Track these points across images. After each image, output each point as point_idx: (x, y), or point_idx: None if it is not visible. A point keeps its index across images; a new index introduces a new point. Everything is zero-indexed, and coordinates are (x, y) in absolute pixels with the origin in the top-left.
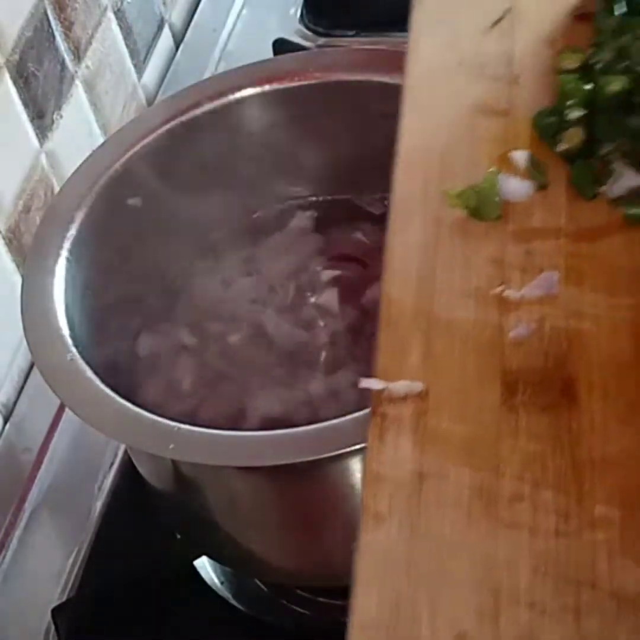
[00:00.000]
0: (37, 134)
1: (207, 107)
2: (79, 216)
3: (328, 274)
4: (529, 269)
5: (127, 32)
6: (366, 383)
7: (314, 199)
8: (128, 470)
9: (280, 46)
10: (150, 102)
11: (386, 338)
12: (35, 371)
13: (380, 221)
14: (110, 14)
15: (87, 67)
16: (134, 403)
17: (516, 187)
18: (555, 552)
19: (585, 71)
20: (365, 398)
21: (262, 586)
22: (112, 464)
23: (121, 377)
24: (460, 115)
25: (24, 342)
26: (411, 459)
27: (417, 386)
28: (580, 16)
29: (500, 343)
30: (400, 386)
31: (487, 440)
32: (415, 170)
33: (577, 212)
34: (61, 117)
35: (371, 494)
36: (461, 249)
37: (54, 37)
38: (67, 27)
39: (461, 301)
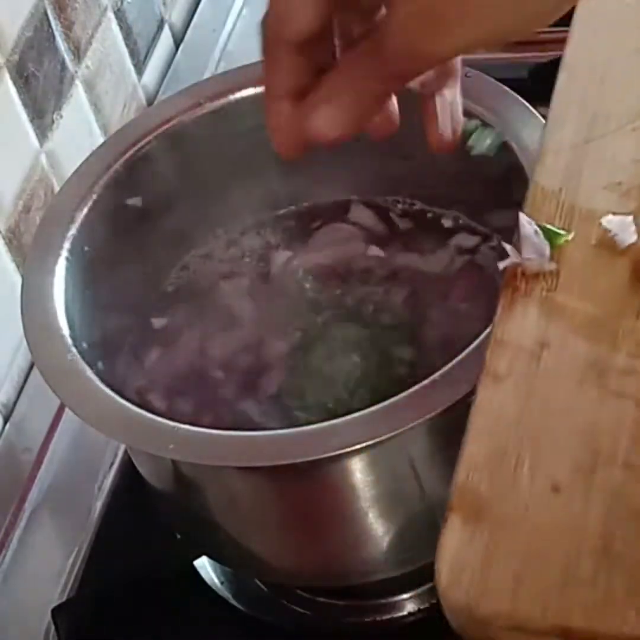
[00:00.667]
0: (37, 134)
1: (207, 107)
2: (79, 216)
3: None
4: None
5: (127, 32)
6: (504, 261)
7: (312, 199)
8: (128, 470)
9: None
10: (150, 102)
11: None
12: (35, 371)
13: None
14: (110, 14)
15: (87, 67)
16: (134, 403)
17: None
18: None
19: None
20: None
21: (262, 586)
22: (112, 464)
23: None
24: (629, 24)
25: (24, 342)
26: (535, 328)
27: (550, 265)
28: None
29: (636, 233)
30: (534, 263)
31: (609, 318)
32: (578, 72)
33: None
34: (61, 117)
35: (493, 356)
36: (611, 147)
37: (54, 37)
38: (67, 27)
39: (604, 193)
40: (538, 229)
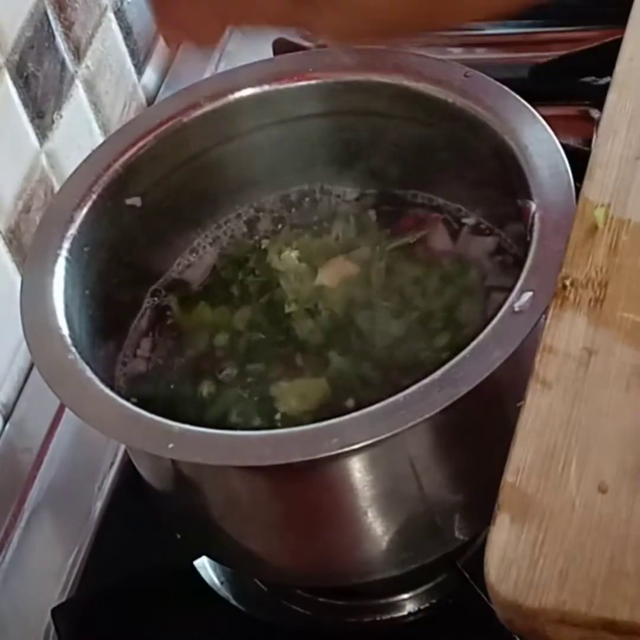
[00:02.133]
0: (37, 134)
1: (207, 107)
2: (79, 216)
3: None
4: None
5: (127, 32)
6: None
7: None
8: (128, 470)
9: (280, 46)
10: (150, 102)
11: (577, 232)
12: (35, 371)
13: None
14: (110, 14)
15: (87, 67)
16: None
17: None
18: None
19: None
20: None
21: (262, 586)
22: (112, 464)
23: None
24: None
25: (24, 342)
26: (584, 336)
27: (599, 277)
28: None
29: None
30: (584, 275)
31: None
32: (629, 90)
33: None
34: (61, 117)
35: (542, 363)
36: None
37: (54, 37)
38: (67, 27)
39: None
40: None
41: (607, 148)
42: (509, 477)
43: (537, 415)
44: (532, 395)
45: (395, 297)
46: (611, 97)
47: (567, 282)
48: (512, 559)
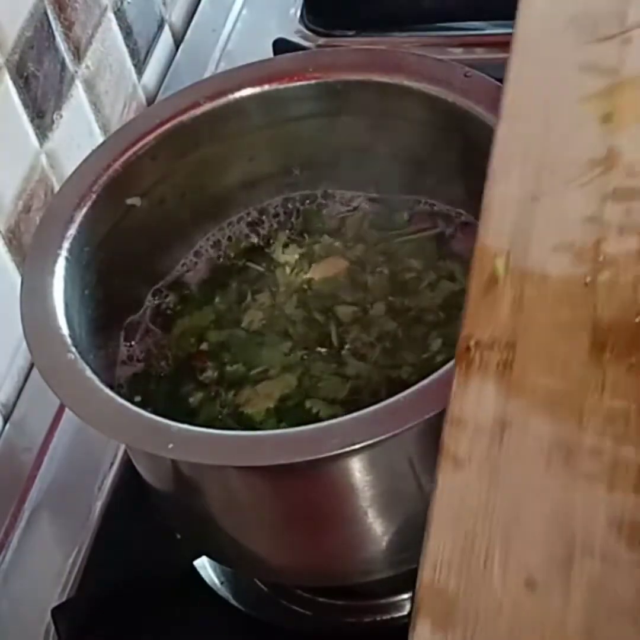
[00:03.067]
0: (37, 134)
1: (207, 107)
2: (79, 216)
3: None
4: (627, 227)
5: (127, 32)
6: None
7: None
8: (128, 470)
9: (280, 46)
10: (150, 102)
11: (477, 286)
12: (35, 371)
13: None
14: (110, 14)
15: (87, 67)
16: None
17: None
18: (633, 507)
19: None
20: None
21: (262, 586)
22: (112, 464)
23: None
24: (567, 72)
25: (24, 342)
26: (494, 406)
27: (505, 336)
28: None
29: (593, 300)
30: (488, 335)
31: (572, 393)
32: (518, 124)
33: None
34: (61, 117)
35: (451, 437)
36: (560, 205)
37: (54, 37)
38: (67, 27)
39: (556, 256)
40: None
41: (500, 189)
42: (425, 575)
43: (451, 500)
44: (443, 476)
45: (383, 296)
46: (501, 129)
47: (471, 344)
48: None
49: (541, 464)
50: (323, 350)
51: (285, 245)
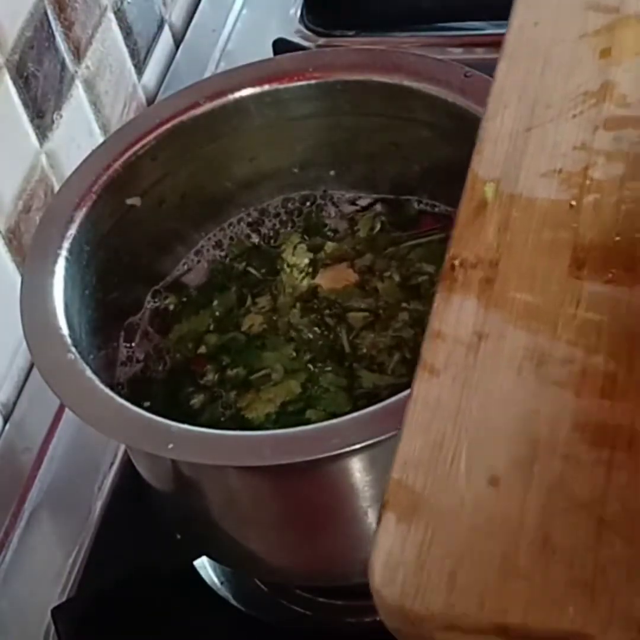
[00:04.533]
0: (37, 134)
1: (207, 107)
2: (79, 216)
3: None
4: (614, 154)
5: (127, 32)
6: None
7: (309, 200)
8: (128, 470)
9: (280, 46)
10: (150, 102)
11: (466, 210)
12: (35, 371)
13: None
14: (110, 14)
15: (87, 67)
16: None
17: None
18: (597, 411)
19: None
20: None
21: (262, 586)
22: (112, 464)
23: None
24: (570, 11)
25: (24, 342)
26: (473, 320)
27: (489, 255)
28: None
29: (576, 221)
30: (473, 255)
31: (549, 307)
32: (519, 61)
33: None
34: (61, 117)
35: (430, 350)
36: (552, 135)
37: (54, 37)
38: (67, 27)
39: (544, 181)
40: None
41: (497, 122)
42: (394, 473)
43: (425, 405)
44: (419, 384)
45: (383, 306)
46: (500, 68)
47: (456, 263)
48: (398, 562)
49: (513, 371)
50: (333, 364)
51: (295, 248)
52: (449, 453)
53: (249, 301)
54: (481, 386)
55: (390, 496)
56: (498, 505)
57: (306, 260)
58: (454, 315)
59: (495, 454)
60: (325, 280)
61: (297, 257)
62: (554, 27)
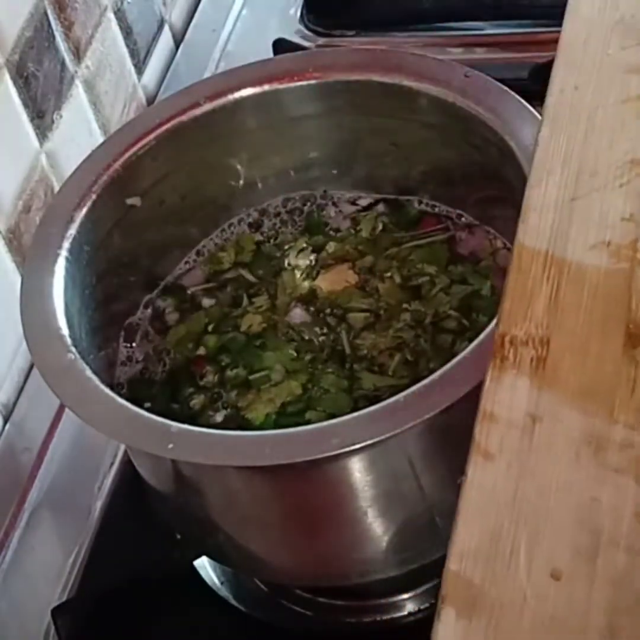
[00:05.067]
0: (37, 134)
1: (207, 107)
2: (79, 216)
3: None
4: None
5: (127, 32)
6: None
7: (310, 201)
8: (128, 470)
9: (280, 46)
10: (150, 102)
11: (514, 284)
12: (35, 371)
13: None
14: (110, 14)
15: (87, 67)
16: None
17: None
18: None
19: None
20: None
21: (262, 586)
22: (112, 464)
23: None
24: (612, 74)
25: (24, 342)
26: (526, 401)
27: (540, 333)
28: None
29: (628, 296)
30: (523, 332)
31: (604, 388)
32: (561, 126)
33: None
34: (61, 117)
35: (483, 433)
36: (598, 205)
37: (54, 37)
38: (67, 27)
39: (593, 253)
40: None
41: (541, 190)
42: (452, 564)
43: (481, 492)
44: (473, 469)
45: (384, 306)
46: (543, 134)
47: (506, 340)
48: None
49: (571, 457)
50: (334, 365)
51: (301, 251)
52: (508, 544)
53: (245, 301)
54: (538, 472)
55: (448, 589)
56: (561, 600)
57: (308, 261)
58: (506, 395)
59: (556, 546)
60: (325, 282)
61: (300, 258)
62: (594, 91)
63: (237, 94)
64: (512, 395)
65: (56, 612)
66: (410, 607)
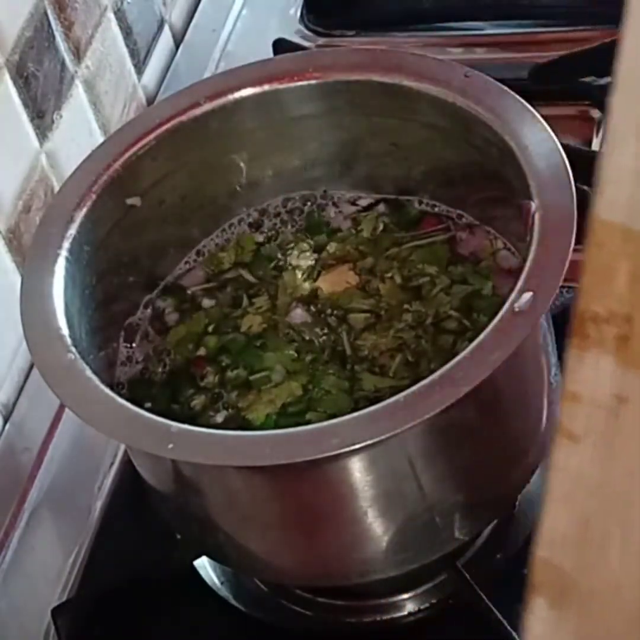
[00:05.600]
0: (37, 134)
1: (207, 107)
2: (79, 216)
3: None
4: None
5: (127, 32)
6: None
7: (310, 201)
8: (128, 470)
9: (280, 46)
10: (150, 102)
11: (592, 260)
12: (35, 371)
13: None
14: (110, 14)
15: (87, 67)
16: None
17: None
18: None
19: None
20: None
21: (262, 586)
22: (112, 464)
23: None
24: None
25: (24, 342)
26: (610, 381)
27: (623, 309)
28: None
29: None
30: (604, 309)
31: None
32: (633, 93)
33: None
34: (61, 117)
35: (567, 414)
36: None
37: (54, 37)
38: (67, 27)
39: None
40: None
41: (615, 160)
42: (541, 551)
43: (567, 476)
44: (558, 452)
45: (384, 307)
46: (616, 102)
47: (587, 317)
48: None
49: None
50: (335, 366)
51: (303, 251)
52: (599, 530)
53: (245, 302)
54: (625, 455)
55: (538, 578)
56: None
57: (309, 262)
58: (590, 375)
59: None
60: (326, 283)
61: (301, 259)
62: None
63: (237, 94)
64: (595, 375)
65: (56, 612)
66: (410, 607)
